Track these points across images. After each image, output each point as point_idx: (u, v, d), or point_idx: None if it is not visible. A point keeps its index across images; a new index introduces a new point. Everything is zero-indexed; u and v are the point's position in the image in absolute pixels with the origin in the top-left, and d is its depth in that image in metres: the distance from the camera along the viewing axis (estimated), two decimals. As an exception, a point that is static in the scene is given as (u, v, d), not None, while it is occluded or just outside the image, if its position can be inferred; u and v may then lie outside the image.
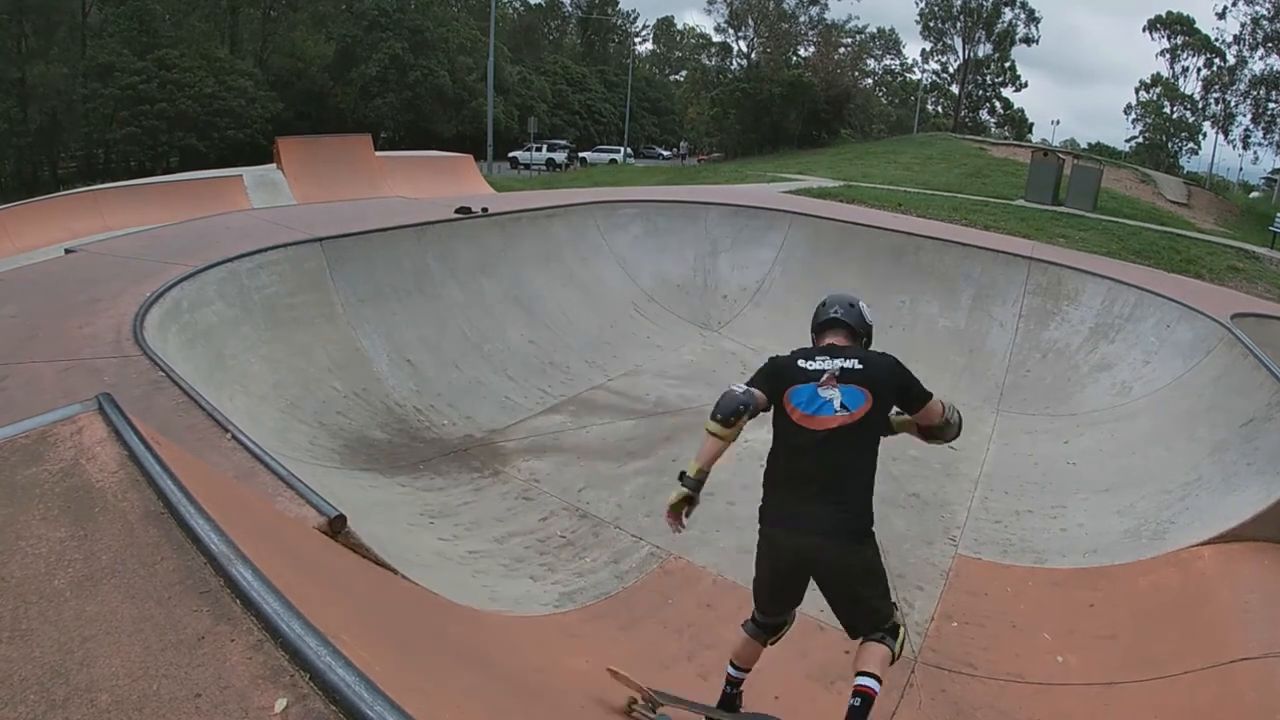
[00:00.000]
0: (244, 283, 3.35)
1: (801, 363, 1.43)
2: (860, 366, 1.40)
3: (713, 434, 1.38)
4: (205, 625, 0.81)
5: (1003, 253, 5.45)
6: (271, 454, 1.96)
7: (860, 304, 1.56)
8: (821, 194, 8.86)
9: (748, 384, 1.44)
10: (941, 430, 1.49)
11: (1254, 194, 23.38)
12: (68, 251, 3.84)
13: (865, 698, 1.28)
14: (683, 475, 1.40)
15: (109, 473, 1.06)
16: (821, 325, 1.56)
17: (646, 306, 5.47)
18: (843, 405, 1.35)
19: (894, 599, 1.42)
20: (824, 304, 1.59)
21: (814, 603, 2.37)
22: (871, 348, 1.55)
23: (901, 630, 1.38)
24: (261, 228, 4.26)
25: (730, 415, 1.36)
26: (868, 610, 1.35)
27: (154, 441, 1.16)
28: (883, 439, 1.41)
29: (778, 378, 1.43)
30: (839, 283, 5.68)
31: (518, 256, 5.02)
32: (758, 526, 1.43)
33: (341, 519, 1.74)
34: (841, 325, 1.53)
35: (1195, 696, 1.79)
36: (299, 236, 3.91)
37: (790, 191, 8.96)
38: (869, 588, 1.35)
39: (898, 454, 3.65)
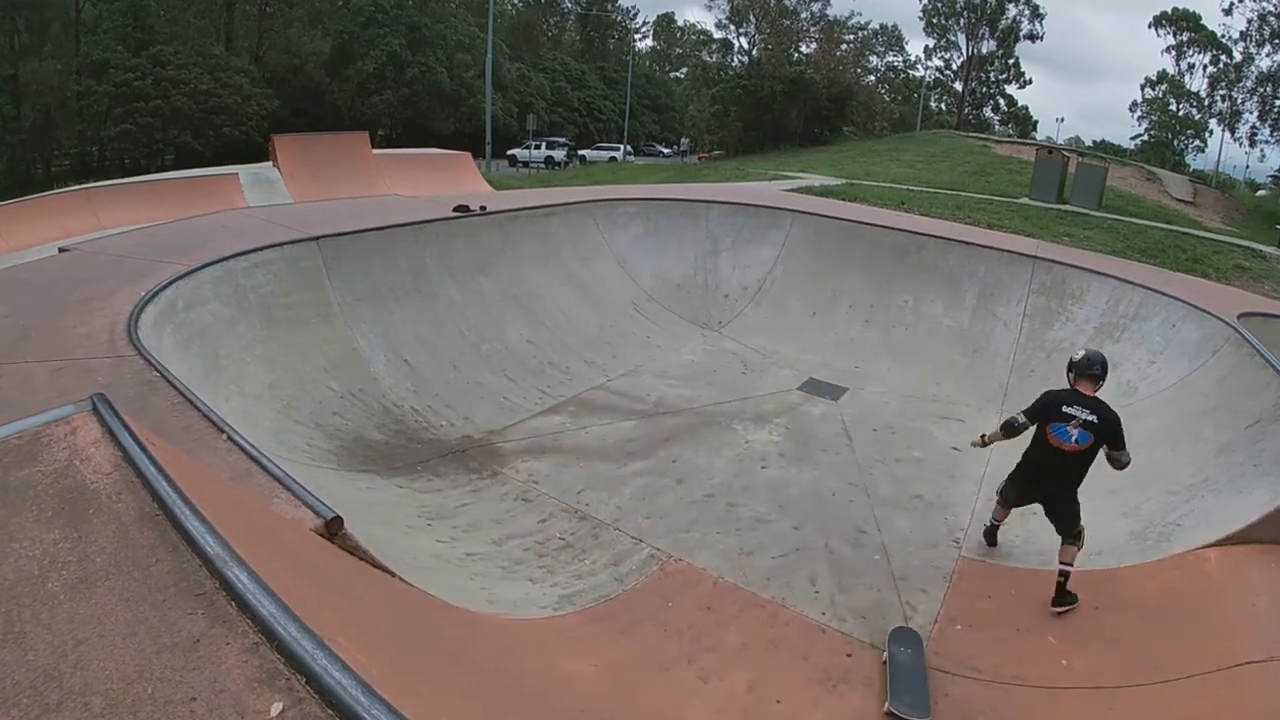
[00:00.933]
0: (239, 282, 3.32)
1: (1064, 408, 2.41)
2: (1095, 422, 2.36)
3: (1002, 437, 2.54)
4: (200, 628, 0.81)
5: (1007, 251, 5.41)
6: (267, 455, 1.94)
7: (1108, 361, 2.53)
8: (823, 192, 8.82)
9: (1024, 410, 2.48)
10: (1117, 460, 2.42)
11: (1261, 192, 23.28)
12: (61, 250, 3.79)
13: (1065, 575, 2.36)
14: (984, 436, 2.62)
15: (103, 474, 1.05)
16: (1082, 373, 2.47)
17: (646, 306, 5.44)
18: (1076, 441, 2.39)
19: (1081, 524, 2.40)
20: (1089, 358, 2.49)
21: (816, 606, 2.39)
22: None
23: (1084, 535, 2.41)
24: (257, 226, 4.22)
25: (1009, 432, 2.51)
26: (1063, 525, 2.42)
27: (148, 442, 1.14)
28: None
29: (1046, 413, 2.43)
30: (841, 282, 5.66)
31: (516, 255, 4.98)
32: (1016, 466, 2.60)
33: (338, 520, 1.73)
34: (1097, 379, 2.46)
35: (1201, 700, 1.78)
36: (295, 235, 3.88)
37: (792, 190, 8.91)
38: (1067, 517, 2.42)
39: (901, 455, 3.64)
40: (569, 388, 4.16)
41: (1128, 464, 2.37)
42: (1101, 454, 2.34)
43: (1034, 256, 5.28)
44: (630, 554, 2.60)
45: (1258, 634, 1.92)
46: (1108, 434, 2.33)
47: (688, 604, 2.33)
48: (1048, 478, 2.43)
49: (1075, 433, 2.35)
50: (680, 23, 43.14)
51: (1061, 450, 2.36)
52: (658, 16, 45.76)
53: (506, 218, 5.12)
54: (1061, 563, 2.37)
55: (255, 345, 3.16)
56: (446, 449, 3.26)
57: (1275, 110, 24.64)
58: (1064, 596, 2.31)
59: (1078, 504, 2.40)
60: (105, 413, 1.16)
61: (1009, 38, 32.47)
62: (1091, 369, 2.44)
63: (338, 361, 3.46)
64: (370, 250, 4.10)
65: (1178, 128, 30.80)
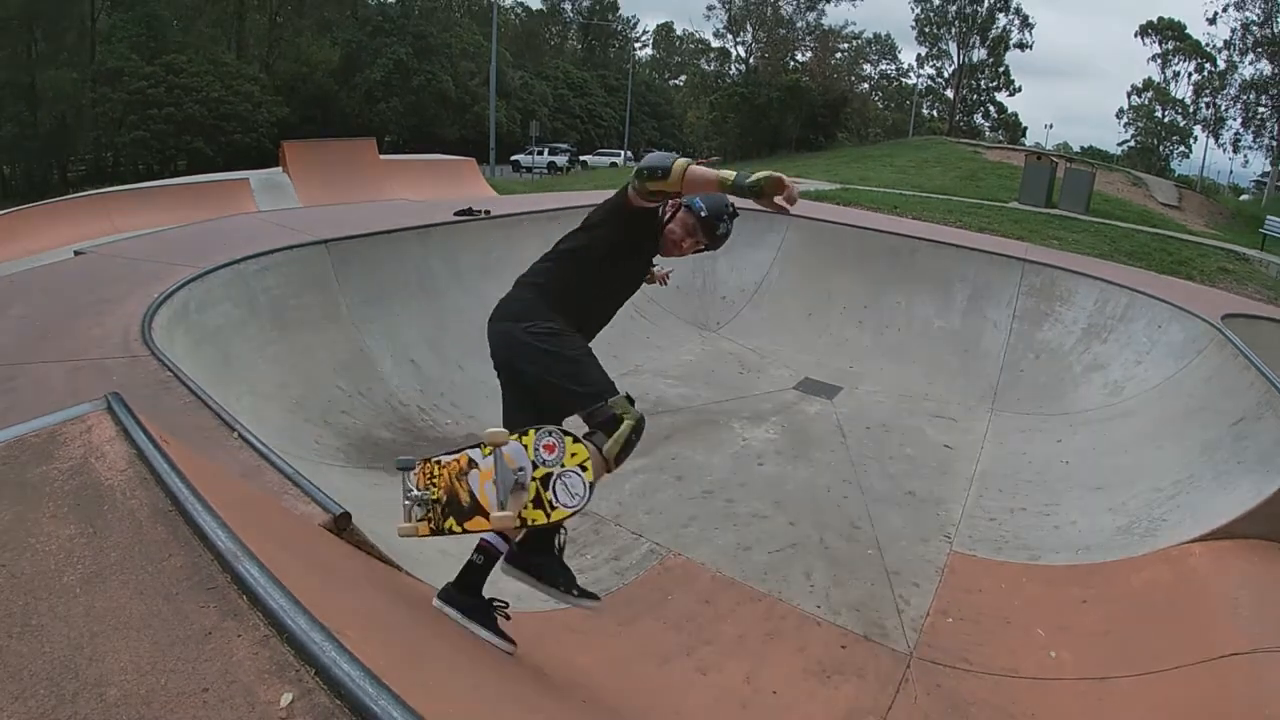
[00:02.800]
0: (250, 284, 3.38)
1: None
2: None
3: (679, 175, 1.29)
4: (212, 621, 0.82)
5: (997, 254, 5.51)
6: (277, 452, 1.98)
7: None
8: (819, 196, 8.92)
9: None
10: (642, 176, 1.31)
11: (1244, 196, 23.81)
12: (77, 254, 3.87)
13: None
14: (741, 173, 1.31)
15: (118, 471, 1.07)
16: None
17: (646, 307, 5.52)
18: None
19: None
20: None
21: (811, 600, 2.44)
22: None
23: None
24: (267, 230, 4.28)
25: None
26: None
27: (162, 440, 1.17)
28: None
29: None
30: (836, 284, 5.77)
31: (520, 258, 4.98)
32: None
33: (346, 516, 1.77)
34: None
35: (1186, 691, 1.81)
36: (304, 238, 3.94)
37: (788, 195, 9.01)
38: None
39: (894, 453, 3.70)
40: (570, 388, 4.23)
41: (653, 160, 1.32)
42: None
43: (1023, 259, 5.38)
44: (630, 549, 2.66)
45: (1241, 626, 1.96)
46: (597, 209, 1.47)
47: (686, 597, 2.37)
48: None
49: None
50: (679, 31, 43.79)
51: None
52: (657, 26, 46.48)
53: (510, 221, 5.19)
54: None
55: (266, 346, 3.22)
56: (452, 447, 3.31)
57: (1258, 117, 25.13)
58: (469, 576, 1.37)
59: (560, 340, 1.45)
60: (120, 411, 1.18)
61: (999, 46, 33.06)
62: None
63: (346, 361, 3.51)
64: (377, 253, 4.16)
65: (1163, 134, 31.37)
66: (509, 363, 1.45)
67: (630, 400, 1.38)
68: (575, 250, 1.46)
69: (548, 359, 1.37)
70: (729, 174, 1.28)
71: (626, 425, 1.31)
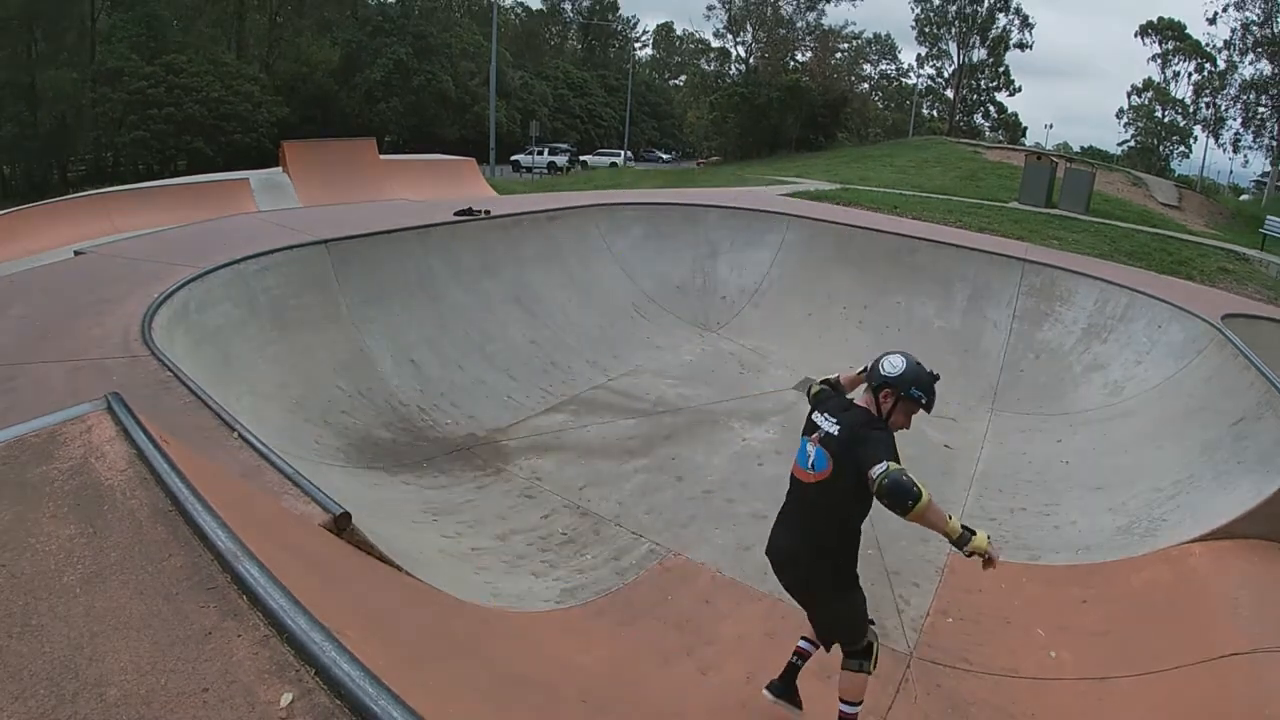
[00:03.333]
0: (250, 284, 3.39)
1: (815, 414, 1.69)
2: (835, 432, 1.56)
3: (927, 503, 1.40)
4: (212, 621, 0.83)
5: (997, 254, 5.52)
6: (277, 452, 1.99)
7: (911, 377, 1.62)
8: (818, 196, 8.91)
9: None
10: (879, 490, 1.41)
11: (1244, 196, 23.85)
12: (77, 254, 3.89)
13: None
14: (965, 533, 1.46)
15: (118, 471, 1.08)
16: (869, 383, 1.68)
17: (646, 307, 5.52)
18: (814, 467, 1.59)
19: (870, 637, 1.76)
20: (876, 367, 1.68)
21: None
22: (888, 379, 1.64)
23: (875, 653, 1.74)
24: (267, 230, 4.30)
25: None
26: (825, 630, 1.82)
27: (162, 440, 1.18)
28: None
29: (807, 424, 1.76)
30: (836, 284, 5.77)
31: (520, 258, 5.07)
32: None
33: (346, 516, 1.78)
34: (878, 390, 1.63)
35: (1186, 691, 1.82)
36: (304, 238, 3.95)
37: (788, 194, 8.99)
38: (827, 618, 1.77)
39: (894, 453, 3.71)
40: (571, 387, 4.22)
41: (895, 492, 1.36)
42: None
43: (1023, 259, 5.39)
44: (630, 549, 2.66)
45: (1241, 626, 1.97)
46: (850, 449, 1.45)
47: (687, 597, 2.38)
48: (788, 535, 1.56)
49: (813, 452, 1.53)
50: (679, 31, 43.79)
51: (800, 483, 1.56)
52: (657, 26, 46.51)
53: (510, 221, 5.20)
54: (840, 699, 1.60)
55: (266, 346, 3.22)
56: (452, 446, 3.32)
57: (1258, 117, 25.13)
58: None
59: (848, 598, 1.55)
60: (120, 411, 1.20)
61: (999, 46, 33.04)
62: (872, 380, 1.59)
63: (346, 362, 3.52)
64: (378, 253, 4.18)
65: (1163, 134, 31.37)
66: (805, 602, 1.75)
67: (872, 621, 1.75)
68: (853, 520, 1.61)
69: (834, 616, 1.70)
70: (956, 527, 1.44)
71: (876, 648, 1.72)
